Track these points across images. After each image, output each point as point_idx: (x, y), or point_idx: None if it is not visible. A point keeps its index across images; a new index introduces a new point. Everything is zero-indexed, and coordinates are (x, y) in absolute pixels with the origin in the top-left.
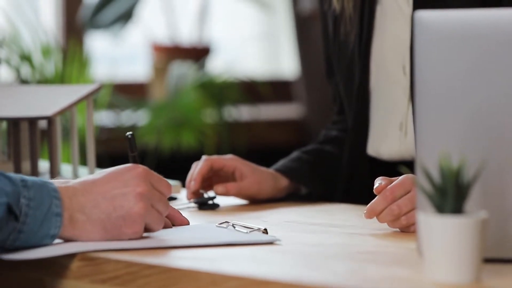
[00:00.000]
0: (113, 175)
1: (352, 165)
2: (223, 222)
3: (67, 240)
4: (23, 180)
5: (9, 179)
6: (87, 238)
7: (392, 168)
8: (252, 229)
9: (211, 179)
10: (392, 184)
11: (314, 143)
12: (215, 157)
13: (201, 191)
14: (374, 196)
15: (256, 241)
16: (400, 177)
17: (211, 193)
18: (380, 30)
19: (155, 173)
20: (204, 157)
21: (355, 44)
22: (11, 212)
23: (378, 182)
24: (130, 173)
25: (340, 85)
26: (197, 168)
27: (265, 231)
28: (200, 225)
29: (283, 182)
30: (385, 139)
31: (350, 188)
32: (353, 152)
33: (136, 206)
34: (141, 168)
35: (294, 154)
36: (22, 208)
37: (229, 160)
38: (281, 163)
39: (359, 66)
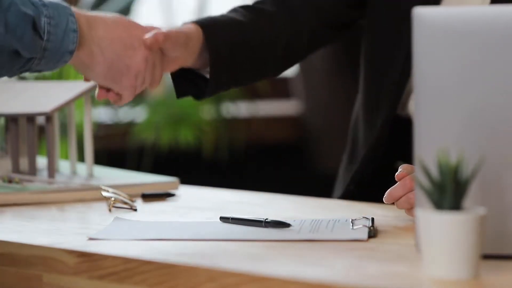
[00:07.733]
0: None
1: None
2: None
3: (75, 64)
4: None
5: (32, 3)
6: (92, 67)
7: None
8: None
9: None
10: (414, 173)
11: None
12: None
13: None
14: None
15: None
16: None
17: None
18: None
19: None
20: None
21: None
22: (36, 31)
23: (400, 169)
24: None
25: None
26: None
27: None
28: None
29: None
30: None
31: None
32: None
33: (142, 62)
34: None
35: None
36: (45, 27)
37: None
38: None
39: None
